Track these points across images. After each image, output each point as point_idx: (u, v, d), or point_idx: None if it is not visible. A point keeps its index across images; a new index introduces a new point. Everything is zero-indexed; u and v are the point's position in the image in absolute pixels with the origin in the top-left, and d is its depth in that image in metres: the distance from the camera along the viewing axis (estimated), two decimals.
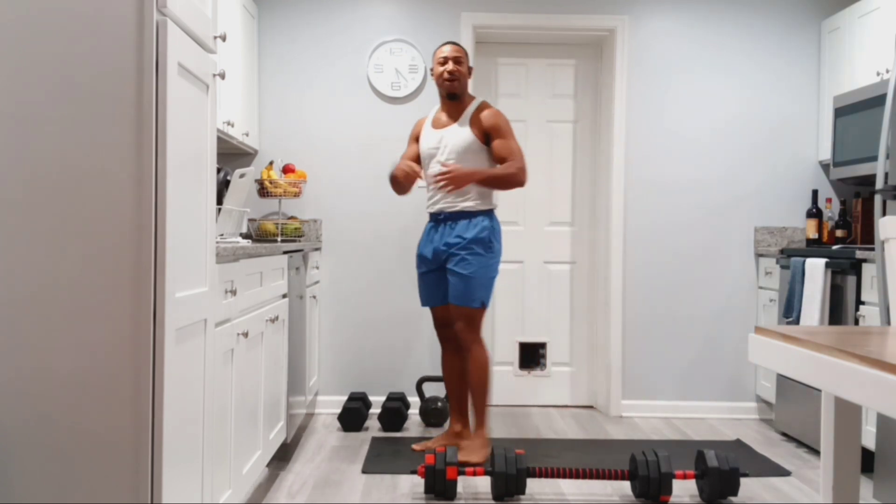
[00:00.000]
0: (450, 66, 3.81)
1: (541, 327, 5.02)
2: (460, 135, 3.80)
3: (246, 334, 2.71)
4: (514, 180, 3.77)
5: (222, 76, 2.31)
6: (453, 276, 3.76)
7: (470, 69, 3.90)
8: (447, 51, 3.85)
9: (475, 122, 3.79)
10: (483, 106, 3.84)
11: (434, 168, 3.83)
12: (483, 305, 3.77)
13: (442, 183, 3.71)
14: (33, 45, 1.82)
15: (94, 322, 1.82)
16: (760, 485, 3.49)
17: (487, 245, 3.76)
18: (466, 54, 3.88)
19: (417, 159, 3.96)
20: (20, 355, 1.82)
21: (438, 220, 3.85)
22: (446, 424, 4.46)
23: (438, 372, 4.75)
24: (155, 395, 1.85)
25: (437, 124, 3.91)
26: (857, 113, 4.07)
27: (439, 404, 4.42)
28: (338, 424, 4.44)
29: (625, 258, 4.79)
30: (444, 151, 3.81)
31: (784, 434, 4.40)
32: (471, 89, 4.71)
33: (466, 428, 3.91)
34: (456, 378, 3.93)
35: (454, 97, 3.85)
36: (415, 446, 3.93)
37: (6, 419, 1.82)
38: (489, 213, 3.81)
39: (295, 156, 4.75)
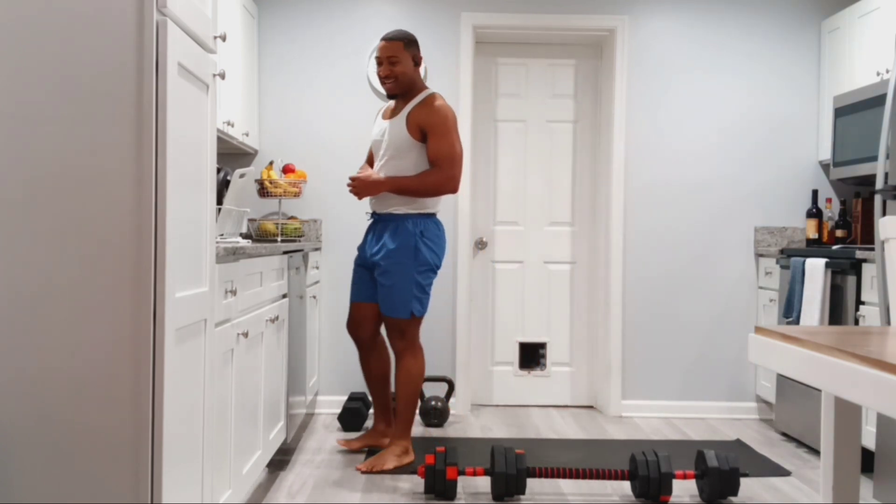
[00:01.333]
0: (384, 68, 3.61)
1: (541, 327, 5.02)
2: (397, 129, 3.60)
3: (246, 334, 2.71)
4: (434, 190, 3.56)
5: (222, 76, 2.31)
6: (380, 287, 3.63)
7: (417, 59, 3.64)
8: (379, 50, 3.62)
9: (413, 117, 3.57)
10: (427, 100, 3.59)
11: (379, 161, 3.69)
12: (413, 315, 3.61)
13: (351, 190, 3.61)
14: (33, 45, 1.82)
15: (94, 322, 1.82)
16: (760, 485, 3.49)
17: (413, 252, 3.58)
18: (407, 44, 3.60)
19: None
20: (20, 355, 1.82)
21: (374, 219, 3.74)
22: (447, 424, 4.47)
23: (438, 372, 4.76)
24: (155, 395, 1.85)
25: (385, 114, 3.75)
26: (857, 113, 4.07)
27: (439, 404, 4.42)
28: (338, 424, 4.44)
29: (625, 258, 4.79)
30: (384, 145, 3.65)
31: (784, 434, 4.40)
32: (472, 89, 4.74)
33: (390, 426, 3.86)
34: (373, 378, 3.85)
35: (395, 97, 3.67)
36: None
37: (6, 419, 1.82)
38: (419, 218, 3.61)
39: (295, 156, 4.75)
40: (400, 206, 3.62)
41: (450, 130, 3.56)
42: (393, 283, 3.59)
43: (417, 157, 3.60)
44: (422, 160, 3.61)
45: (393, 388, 4.10)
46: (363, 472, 3.55)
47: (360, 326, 3.81)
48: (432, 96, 3.63)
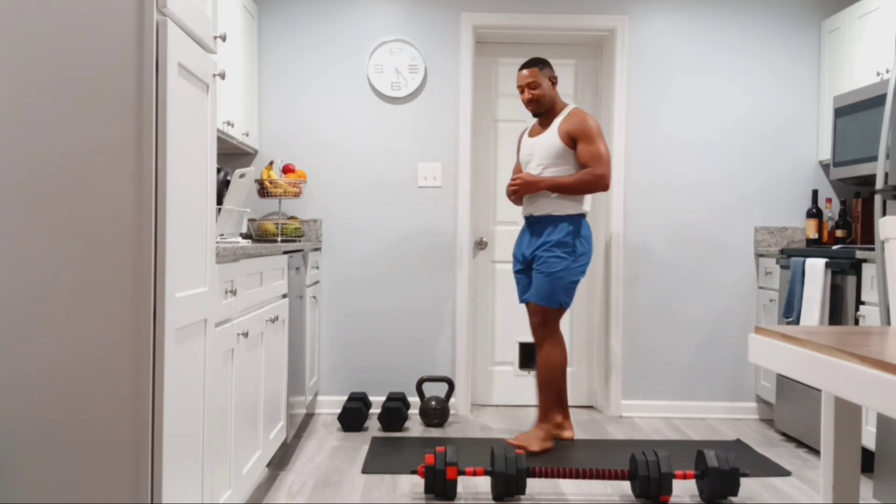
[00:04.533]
0: (526, 94, 4.04)
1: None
2: (550, 141, 3.99)
3: (246, 334, 2.71)
4: (588, 187, 3.92)
5: (222, 76, 2.31)
6: (537, 276, 3.97)
7: (553, 79, 4.05)
8: (519, 79, 4.05)
9: (563, 128, 3.97)
10: (573, 113, 4.00)
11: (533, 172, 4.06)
12: (561, 306, 3.95)
13: (511, 189, 4.00)
14: (33, 45, 1.82)
15: (94, 322, 1.82)
16: (760, 485, 3.49)
17: (570, 248, 3.93)
18: (542, 68, 4.03)
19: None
20: (20, 355, 1.82)
21: (529, 223, 4.09)
22: (447, 424, 4.47)
23: (438, 372, 4.76)
24: (155, 395, 1.85)
25: (532, 133, 4.15)
26: (857, 113, 4.07)
27: (439, 404, 4.42)
28: (338, 424, 4.44)
29: (625, 258, 4.79)
30: (537, 158, 4.03)
31: (784, 434, 4.40)
32: (472, 89, 4.74)
33: (568, 419, 4.13)
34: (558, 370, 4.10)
35: (540, 115, 4.10)
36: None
37: (6, 419, 1.82)
38: (573, 218, 3.97)
39: (295, 156, 4.75)
40: (558, 208, 3.97)
41: (598, 135, 3.96)
42: (550, 274, 3.93)
43: (570, 163, 3.98)
44: (573, 165, 3.98)
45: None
46: (509, 444, 3.92)
47: None
48: (577, 109, 4.05)
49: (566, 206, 3.97)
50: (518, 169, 4.27)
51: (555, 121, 4.04)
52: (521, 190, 4.00)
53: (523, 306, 5.01)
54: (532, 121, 4.25)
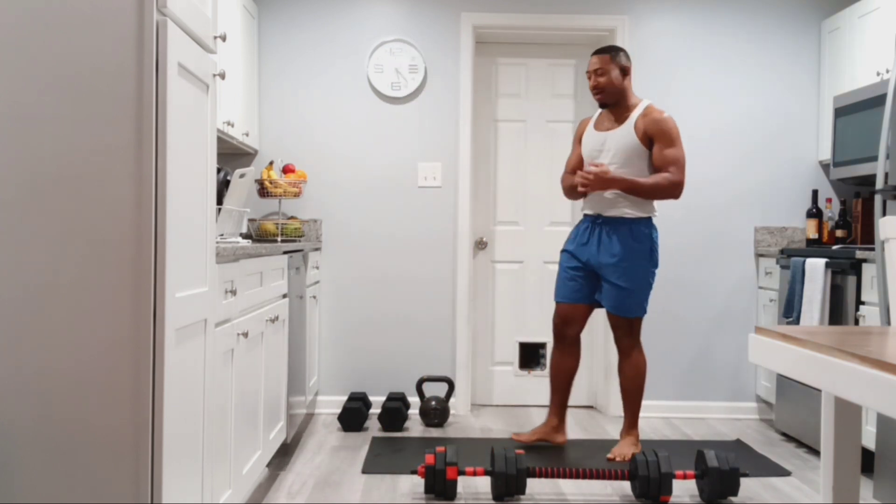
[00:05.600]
0: (592, 80, 3.83)
1: (541, 327, 5.02)
2: (625, 137, 3.76)
3: (246, 334, 2.71)
4: (664, 193, 3.71)
5: (222, 76, 2.31)
6: (613, 287, 3.78)
7: (625, 69, 3.81)
8: (590, 64, 3.85)
9: (639, 125, 3.75)
10: (649, 110, 3.78)
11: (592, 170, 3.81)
12: (643, 314, 3.84)
13: (582, 181, 3.72)
14: (33, 45, 1.82)
15: (94, 322, 1.82)
16: (760, 485, 3.49)
17: (649, 255, 3.78)
18: (613, 56, 3.80)
19: (581, 160, 3.98)
20: (21, 355, 1.82)
21: (596, 223, 3.84)
22: (447, 424, 4.47)
23: (438, 372, 4.76)
24: (155, 395, 1.85)
25: (599, 126, 3.89)
26: (857, 113, 4.07)
27: (439, 404, 4.42)
28: (338, 424, 4.44)
29: None
30: (608, 154, 3.79)
31: (784, 434, 4.40)
32: (472, 89, 4.74)
33: (563, 423, 4.01)
34: (563, 376, 4.00)
35: (606, 106, 3.85)
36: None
37: (7, 419, 1.82)
38: (648, 222, 3.79)
39: (295, 156, 4.75)
40: (631, 210, 3.77)
41: (678, 138, 3.75)
42: (632, 286, 3.77)
43: (645, 164, 3.77)
44: (648, 166, 3.77)
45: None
46: (609, 460, 3.77)
47: (570, 325, 3.94)
48: (652, 106, 3.81)
49: (640, 208, 3.77)
50: (576, 164, 3.99)
51: (630, 116, 3.79)
52: (593, 184, 3.71)
53: (523, 306, 5.00)
54: (595, 113, 3.99)
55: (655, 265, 3.82)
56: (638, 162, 3.75)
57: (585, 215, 3.91)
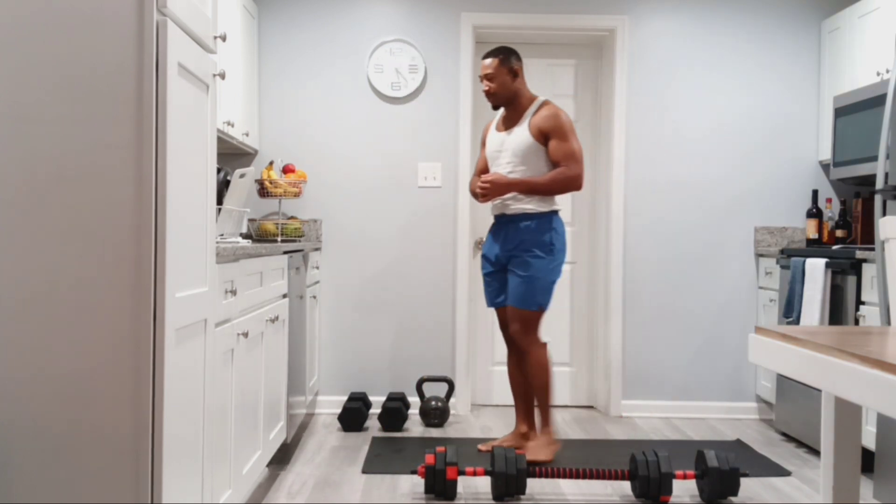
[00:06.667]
0: (483, 85, 3.87)
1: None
2: (520, 137, 3.79)
3: (246, 334, 2.71)
4: (562, 187, 3.74)
5: (222, 76, 2.31)
6: (513, 278, 3.79)
7: (515, 71, 3.82)
8: (481, 69, 3.86)
9: (534, 123, 3.77)
10: (542, 108, 3.80)
11: (502, 170, 3.85)
12: (540, 308, 3.78)
13: (480, 191, 3.76)
14: (33, 45, 1.82)
15: (94, 322, 1.82)
16: (760, 485, 3.49)
17: (548, 247, 3.76)
18: (502, 60, 3.81)
19: (487, 163, 4.00)
20: (20, 355, 1.82)
21: (501, 222, 3.87)
22: (447, 424, 4.47)
23: (438, 372, 4.75)
24: (155, 395, 1.85)
25: (500, 127, 3.93)
26: (857, 113, 4.07)
27: (439, 404, 4.42)
28: (338, 424, 4.44)
29: (625, 258, 4.79)
30: (507, 154, 3.82)
31: (784, 434, 4.40)
32: (472, 89, 4.74)
33: (532, 429, 3.93)
34: (520, 380, 3.95)
35: (499, 108, 3.91)
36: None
37: (6, 419, 1.82)
38: (548, 215, 3.79)
39: (295, 156, 4.75)
40: (532, 205, 3.77)
41: (571, 132, 3.76)
42: (528, 276, 3.74)
43: (542, 161, 3.78)
44: (546, 163, 3.78)
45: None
46: (518, 452, 3.56)
47: (508, 327, 3.89)
48: (548, 102, 3.84)
49: (540, 204, 3.78)
50: (483, 166, 4.04)
51: (525, 115, 3.82)
52: (491, 193, 3.75)
53: None
54: (498, 114, 4.01)
55: (557, 260, 3.78)
56: (535, 160, 3.77)
57: (494, 217, 3.92)
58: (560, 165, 3.74)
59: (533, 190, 3.75)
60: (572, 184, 3.75)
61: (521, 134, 3.79)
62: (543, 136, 3.76)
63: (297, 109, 4.76)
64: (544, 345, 3.83)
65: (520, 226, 3.78)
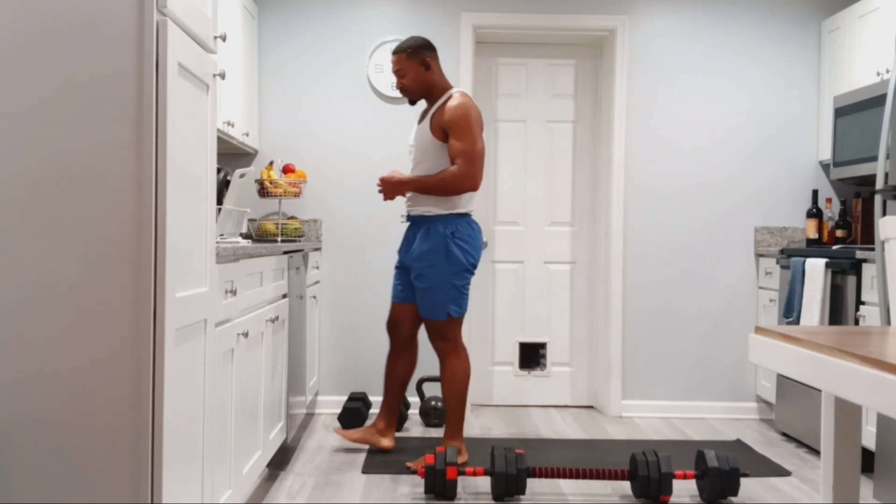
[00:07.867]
0: (397, 80, 3.72)
1: (541, 327, 5.02)
2: (422, 132, 3.65)
3: (246, 334, 2.71)
4: (451, 187, 3.53)
5: (222, 76, 2.31)
6: (417, 290, 3.65)
7: (427, 63, 3.64)
8: (392, 63, 3.71)
9: (436, 118, 3.59)
10: (450, 101, 3.59)
11: (410, 164, 3.75)
12: (450, 317, 3.60)
13: (379, 191, 3.67)
14: (33, 45, 1.82)
15: (94, 322, 1.82)
16: (760, 485, 3.49)
17: (444, 254, 3.56)
18: (409, 55, 3.63)
19: None
20: (20, 355, 1.82)
21: (411, 223, 3.75)
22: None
23: (438, 372, 4.75)
24: (155, 395, 1.85)
25: (419, 120, 3.77)
26: (857, 113, 4.07)
27: (439, 404, 4.42)
28: (338, 424, 4.44)
29: (625, 258, 4.79)
30: (414, 150, 3.70)
31: (784, 434, 4.40)
32: (472, 89, 4.73)
33: (391, 428, 3.84)
34: (394, 378, 3.84)
35: (415, 104, 3.79)
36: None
37: (6, 419, 1.82)
38: (450, 218, 3.59)
39: (295, 156, 4.75)
40: (431, 208, 3.61)
41: (469, 128, 3.53)
42: (428, 286, 3.59)
43: (441, 158, 3.60)
44: (446, 160, 3.60)
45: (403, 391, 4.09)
46: (411, 470, 3.56)
47: (398, 326, 3.81)
48: (457, 95, 3.62)
49: (439, 206, 3.58)
50: None
51: (431, 109, 3.65)
52: (387, 192, 3.62)
53: (523, 306, 5.01)
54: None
55: (458, 265, 3.57)
56: (436, 156, 3.59)
57: (405, 217, 3.82)
58: (453, 164, 3.55)
59: (424, 189, 3.57)
60: (462, 184, 3.52)
61: (424, 129, 3.63)
62: (443, 132, 3.57)
63: (297, 109, 4.76)
64: (462, 353, 3.68)
65: (419, 231, 3.63)
